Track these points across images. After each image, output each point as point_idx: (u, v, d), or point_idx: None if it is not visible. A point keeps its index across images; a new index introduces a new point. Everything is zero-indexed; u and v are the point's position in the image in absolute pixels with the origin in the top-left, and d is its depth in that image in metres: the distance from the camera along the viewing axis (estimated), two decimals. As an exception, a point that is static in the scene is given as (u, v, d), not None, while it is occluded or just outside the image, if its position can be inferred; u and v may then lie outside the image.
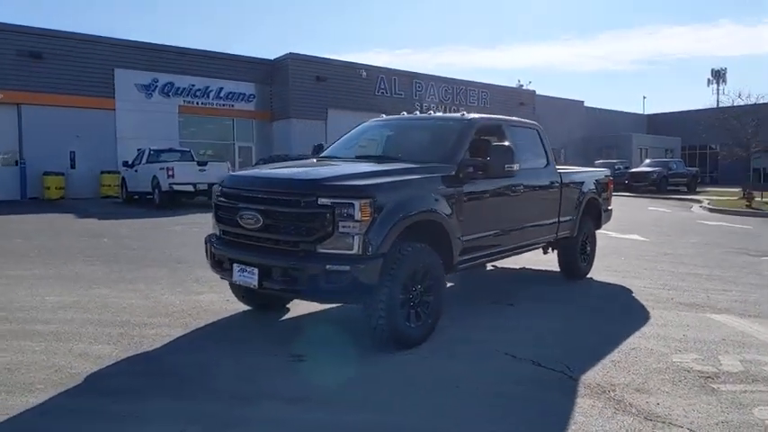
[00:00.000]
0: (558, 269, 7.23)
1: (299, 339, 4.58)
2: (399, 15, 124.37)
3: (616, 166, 33.62)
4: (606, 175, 8.09)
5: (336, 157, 5.46)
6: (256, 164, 22.26)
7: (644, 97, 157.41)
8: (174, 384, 3.61)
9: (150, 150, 18.11)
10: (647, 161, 34.09)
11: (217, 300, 5.74)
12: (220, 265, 4.55)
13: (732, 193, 26.79)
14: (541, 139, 6.37)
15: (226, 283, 6.25)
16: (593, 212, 7.34)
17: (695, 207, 21.85)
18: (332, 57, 28.64)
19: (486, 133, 5.42)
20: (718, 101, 71.93)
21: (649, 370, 4.03)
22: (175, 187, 16.09)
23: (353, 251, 3.91)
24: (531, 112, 34.80)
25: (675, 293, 6.53)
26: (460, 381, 3.78)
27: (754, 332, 5.00)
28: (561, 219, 6.49)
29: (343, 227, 3.89)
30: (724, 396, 3.59)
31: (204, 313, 5.24)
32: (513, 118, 6.01)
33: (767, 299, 6.34)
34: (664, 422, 3.21)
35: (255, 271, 4.14)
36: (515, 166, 4.93)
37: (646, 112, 53.14)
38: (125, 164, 18.86)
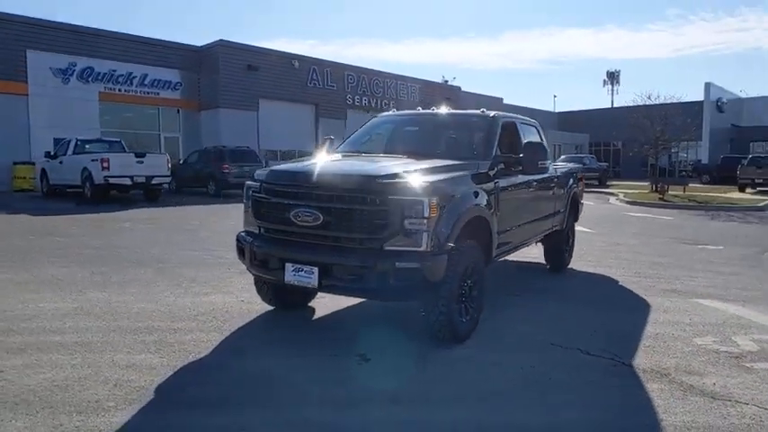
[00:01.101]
0: (536, 261, 7.58)
1: (348, 338, 4.50)
2: (303, 6, 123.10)
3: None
4: (579, 170, 8.55)
5: (364, 153, 5.36)
6: (189, 156, 21.25)
7: (554, 96, 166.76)
8: (262, 392, 3.43)
9: (77, 140, 16.73)
10: (563, 157, 36.10)
11: (230, 301, 5.50)
12: (265, 266, 4.35)
13: (639, 187, 29.11)
14: (540, 135, 6.63)
15: (229, 282, 6.11)
16: (575, 205, 7.75)
17: (612, 200, 23.52)
18: (262, 45, 27.85)
19: (507, 129, 5.58)
20: (612, 101, 77.71)
21: (684, 353, 4.36)
22: (111, 180, 14.99)
23: (422, 248, 3.90)
24: (456, 107, 35.85)
25: (653, 281, 7.05)
26: (526, 373, 3.90)
27: (744, 315, 5.52)
28: (556, 211, 6.80)
29: (411, 224, 3.87)
30: (761, 373, 3.96)
31: (228, 315, 5.00)
32: (519, 115, 6.20)
33: (733, 285, 7.00)
34: (730, 401, 3.50)
35: (315, 270, 4.01)
36: (547, 163, 5.12)
37: (556, 110, 56.29)
38: (47, 154, 17.30)
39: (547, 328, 4.91)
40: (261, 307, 5.22)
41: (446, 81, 38.77)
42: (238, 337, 4.47)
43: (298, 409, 3.22)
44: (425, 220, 3.88)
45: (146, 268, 6.92)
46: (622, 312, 5.59)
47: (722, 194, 24.19)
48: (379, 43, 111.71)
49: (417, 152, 5.01)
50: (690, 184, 27.66)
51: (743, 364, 4.14)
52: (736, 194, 24.79)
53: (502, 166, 5.05)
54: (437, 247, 3.95)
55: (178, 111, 25.90)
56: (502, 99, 43.88)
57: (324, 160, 4.82)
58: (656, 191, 24.32)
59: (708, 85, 39.50)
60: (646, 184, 30.07)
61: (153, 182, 15.80)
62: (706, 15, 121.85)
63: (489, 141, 5.15)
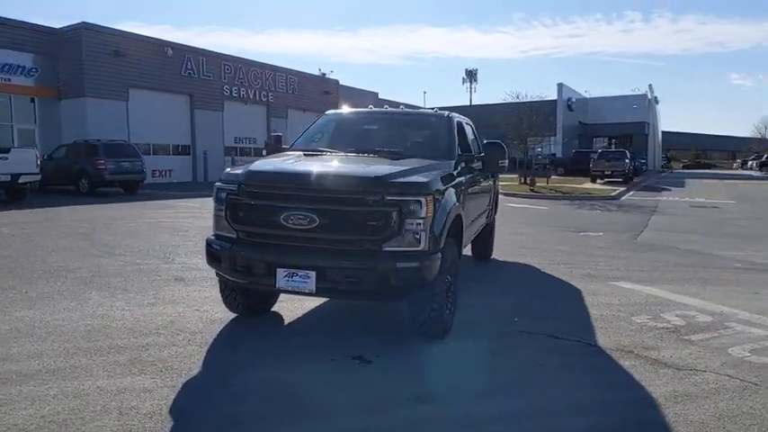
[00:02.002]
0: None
1: (334, 341, 4.44)
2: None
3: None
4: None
5: (328, 151, 5.25)
6: (55, 151, 19.07)
7: (424, 92, 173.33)
8: (287, 405, 3.29)
9: None
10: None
11: (184, 311, 5.15)
12: (250, 273, 4.14)
13: (508, 179, 31.39)
14: (475, 134, 6.97)
15: (167, 291, 5.72)
16: (497, 199, 8.28)
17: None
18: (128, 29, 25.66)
19: (460, 129, 5.81)
20: (471, 98, 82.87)
21: (633, 331, 4.91)
22: (-32, 179, 13.00)
23: (420, 247, 3.98)
24: (336, 101, 35.92)
25: (568, 267, 7.77)
26: (521, 362, 4.17)
27: (657, 294, 6.32)
28: (489, 206, 7.23)
29: (410, 224, 3.92)
30: (700, 344, 4.60)
31: (192, 327, 4.68)
32: (459, 114, 6.45)
33: (632, 267, 7.96)
34: (691, 370, 4.04)
35: (312, 275, 3.92)
36: (506, 162, 5.43)
37: (426, 106, 58.66)
38: None
39: (506, 317, 5.23)
40: (222, 315, 4.96)
41: (323, 74, 38.64)
42: (220, 349, 4.21)
43: (334, 418, 3.16)
44: (423, 220, 3.96)
45: (61, 280, 6.18)
46: (561, 298, 6.12)
47: (579, 185, 26.99)
48: (239, 33, 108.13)
49: (386, 151, 5.05)
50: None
51: (682, 338, 4.78)
52: (589, 185, 27.80)
53: (463, 164, 5.27)
54: (433, 246, 4.05)
55: (33, 99, 23.01)
56: (377, 94, 44.77)
57: (301, 160, 4.68)
58: (526, 183, 26.48)
59: (560, 86, 43.70)
60: (514, 176, 32.58)
61: (20, 180, 13.95)
62: (546, 21, 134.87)
63: (451, 141, 5.35)
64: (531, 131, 27.50)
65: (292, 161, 4.67)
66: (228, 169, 4.54)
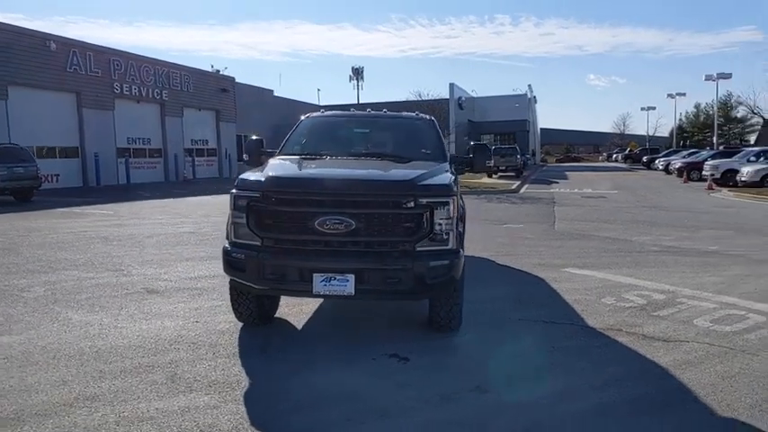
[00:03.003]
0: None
1: (361, 340, 4.53)
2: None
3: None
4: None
5: (319, 154, 5.26)
6: None
7: (318, 90, 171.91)
8: (361, 407, 3.36)
9: None
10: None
11: (183, 324, 4.98)
12: (283, 280, 4.11)
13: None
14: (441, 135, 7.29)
15: (147, 305, 5.55)
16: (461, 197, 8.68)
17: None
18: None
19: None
20: (358, 97, 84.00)
21: (609, 312, 5.49)
22: None
23: (449, 246, 4.20)
24: (233, 99, 34.86)
25: (517, 258, 8.38)
26: (532, 346, 4.55)
27: (607, 277, 7.05)
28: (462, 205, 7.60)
29: (439, 224, 4.13)
30: (668, 319, 5.27)
31: (206, 339, 4.54)
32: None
33: (570, 254, 8.74)
34: (676, 341, 4.65)
35: (351, 278, 3.99)
36: (492, 162, 5.76)
37: (321, 103, 58.50)
38: None
39: (495, 306, 5.62)
40: (227, 326, 4.88)
41: (217, 71, 37.23)
42: (252, 358, 4.14)
43: (410, 415, 3.29)
44: (450, 220, 4.18)
45: (20, 301, 5.62)
46: (532, 286, 6.63)
47: (480, 180, 28.53)
48: (103, 24, 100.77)
49: (386, 154, 5.20)
50: (452, 172, 31.86)
51: (652, 314, 5.43)
52: (487, 179, 29.47)
53: (453, 166, 5.55)
54: (458, 244, 4.29)
55: None
56: (273, 91, 44.05)
57: (319, 165, 4.70)
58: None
59: (452, 86, 45.57)
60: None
61: None
62: (423, 21, 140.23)
63: (441, 144, 5.61)
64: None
65: (314, 166, 4.68)
66: (243, 176, 4.44)
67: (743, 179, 23.46)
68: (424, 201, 4.09)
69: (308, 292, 4.08)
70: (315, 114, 6.22)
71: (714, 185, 24.18)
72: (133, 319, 5.03)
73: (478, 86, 48.20)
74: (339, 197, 4.07)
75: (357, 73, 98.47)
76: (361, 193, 4.11)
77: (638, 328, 4.99)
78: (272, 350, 4.34)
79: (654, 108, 79.25)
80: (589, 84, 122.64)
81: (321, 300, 5.50)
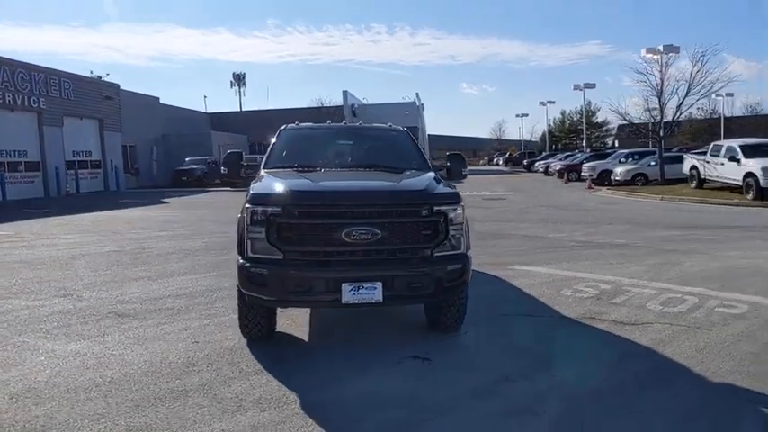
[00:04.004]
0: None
1: (375, 347, 4.69)
2: None
3: (208, 161, 35.45)
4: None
5: (312, 167, 5.31)
6: None
7: (205, 96, 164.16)
8: (415, 407, 3.55)
9: None
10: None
11: (184, 346, 4.80)
12: (308, 291, 4.15)
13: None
14: None
15: (125, 330, 5.33)
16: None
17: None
18: None
19: (413, 142, 6.37)
20: (240, 103, 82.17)
21: (573, 302, 6.11)
22: None
23: (461, 250, 4.50)
24: (117, 107, 32.66)
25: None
26: (529, 338, 5.00)
27: (552, 272, 7.75)
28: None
29: (453, 230, 4.42)
30: (625, 305, 5.98)
31: (220, 358, 4.45)
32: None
33: (509, 253, 9.43)
34: (643, 324, 5.32)
35: (378, 285, 4.15)
36: (466, 171, 6.14)
37: (208, 111, 56.44)
38: None
39: (476, 305, 5.90)
40: (232, 343, 4.82)
41: (99, 77, 34.57)
42: (284, 373, 4.10)
43: (459, 411, 3.55)
44: (461, 226, 4.49)
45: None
46: (494, 284, 7.13)
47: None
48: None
49: (379, 165, 5.39)
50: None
51: (609, 302, 6.12)
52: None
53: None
54: (467, 248, 4.60)
55: None
56: (159, 98, 41.77)
57: (332, 177, 4.77)
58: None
59: (345, 93, 46.16)
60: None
61: None
62: (300, 28, 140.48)
63: (421, 153, 5.90)
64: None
65: (322, 179, 4.76)
66: (255, 191, 4.41)
67: (617, 179, 26.29)
68: (439, 209, 4.36)
69: (337, 302, 4.17)
70: (291, 126, 6.22)
71: (593, 185, 26.83)
72: (125, 345, 4.76)
73: (358, 94, 49.31)
74: (365, 208, 4.22)
75: (239, 79, 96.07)
76: (385, 203, 4.30)
77: (606, 315, 5.63)
78: (294, 363, 4.36)
79: (527, 115, 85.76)
80: (462, 92, 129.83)
81: (307, 311, 5.56)
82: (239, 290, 4.49)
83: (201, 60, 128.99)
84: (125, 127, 33.25)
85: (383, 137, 6.33)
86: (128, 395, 3.73)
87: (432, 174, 5.34)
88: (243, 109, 74.68)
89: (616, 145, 49.01)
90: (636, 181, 25.60)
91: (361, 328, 5.39)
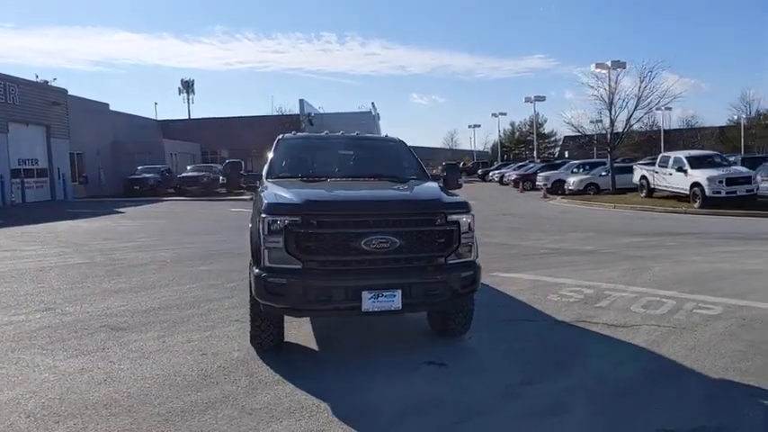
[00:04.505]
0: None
1: (388, 353, 4.76)
2: None
3: (162, 170, 34.49)
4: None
5: (317, 177, 5.35)
6: None
7: (156, 103, 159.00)
8: (449, 411, 3.63)
9: None
10: (193, 166, 36.47)
11: (193, 358, 4.73)
12: (328, 300, 4.18)
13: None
14: None
15: (128, 344, 5.14)
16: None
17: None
18: None
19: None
20: (189, 110, 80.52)
21: (562, 307, 6.35)
22: None
23: (471, 258, 4.64)
24: (65, 113, 31.38)
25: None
26: (534, 342, 5.18)
27: (534, 278, 8.02)
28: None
29: (465, 238, 4.56)
30: (611, 309, 6.28)
31: (234, 371, 4.41)
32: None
33: (486, 260, 9.65)
34: (632, 326, 5.61)
35: (398, 293, 4.22)
36: (462, 180, 6.30)
37: (158, 118, 54.94)
38: None
39: (476, 311, 6.15)
40: (239, 354, 4.79)
41: (45, 81, 33.07)
42: (303, 381, 4.12)
43: (495, 413, 3.68)
44: (472, 234, 4.63)
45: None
46: (484, 292, 7.08)
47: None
48: None
49: (383, 175, 5.49)
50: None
51: (595, 306, 6.40)
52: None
53: (435, 184, 6.02)
54: (476, 256, 4.75)
55: None
56: (108, 105, 40.36)
57: (338, 187, 4.86)
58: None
59: (302, 102, 46.16)
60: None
61: None
62: (249, 35, 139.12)
63: (419, 162, 6.02)
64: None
65: (335, 188, 4.83)
66: (270, 201, 4.41)
67: (570, 188, 27.29)
68: (453, 217, 4.48)
69: (357, 310, 4.22)
70: (288, 136, 6.22)
71: (547, 194, 27.74)
72: (131, 360, 4.63)
73: (309, 102, 49.16)
74: (384, 217, 4.30)
75: (187, 86, 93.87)
76: (404, 212, 4.40)
77: (596, 318, 5.89)
78: (312, 372, 4.37)
79: (479, 125, 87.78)
80: (413, 102, 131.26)
81: (307, 321, 5.56)
82: (253, 300, 4.47)
83: (146, 66, 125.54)
84: (73, 134, 31.93)
85: (381, 147, 6.42)
86: (152, 410, 3.65)
87: (435, 183, 5.48)
88: (192, 116, 73.27)
89: (566, 155, 50.78)
90: (588, 190, 26.64)
91: (366, 336, 5.44)
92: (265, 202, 4.42)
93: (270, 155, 5.83)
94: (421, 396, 3.89)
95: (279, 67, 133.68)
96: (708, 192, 18.27)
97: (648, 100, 26.45)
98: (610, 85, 27.64)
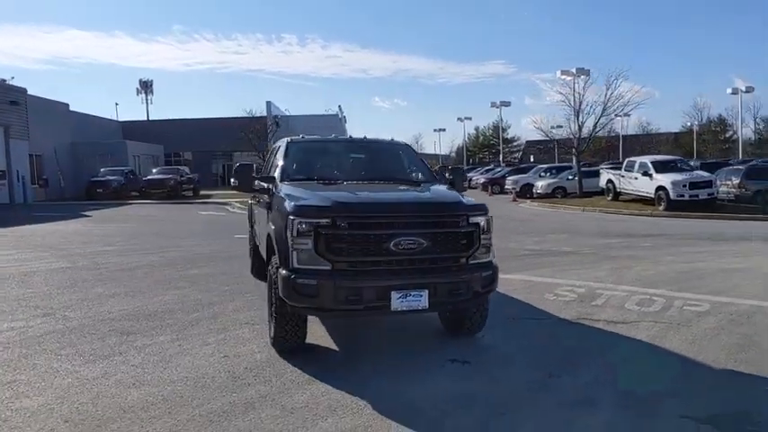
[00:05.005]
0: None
1: (408, 351, 4.87)
2: None
3: (125, 172, 33.62)
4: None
5: (332, 180, 5.42)
6: None
7: (116, 104, 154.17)
8: (484, 407, 3.78)
9: None
10: (159, 168, 35.72)
11: (217, 360, 4.73)
12: (358, 300, 4.26)
13: (246, 195, 31.58)
14: None
15: (146, 346, 5.15)
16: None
17: (231, 208, 25.26)
18: None
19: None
20: (148, 111, 78.75)
21: (561, 306, 6.60)
22: None
23: (489, 258, 4.80)
24: (24, 113, 30.27)
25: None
26: (544, 340, 5.38)
27: (525, 278, 8.26)
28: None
29: (484, 239, 4.72)
30: (606, 306, 6.56)
31: (268, 369, 4.43)
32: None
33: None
34: (632, 323, 5.88)
35: (424, 293, 4.35)
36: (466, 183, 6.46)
37: (120, 119, 53.52)
38: None
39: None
40: (262, 356, 4.81)
41: (4, 80, 31.75)
42: (335, 381, 4.19)
43: (529, 406, 3.84)
44: (490, 235, 4.80)
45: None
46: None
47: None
48: None
49: (397, 178, 5.62)
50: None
51: (592, 305, 6.67)
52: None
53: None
54: (493, 256, 4.91)
55: None
56: (68, 105, 39.08)
57: (360, 189, 4.96)
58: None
59: (269, 104, 45.75)
60: (236, 192, 33.13)
61: None
62: (208, 36, 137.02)
63: (426, 166, 6.16)
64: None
65: (363, 190, 4.93)
66: (297, 203, 4.45)
67: (538, 192, 27.97)
68: (474, 219, 4.64)
69: (386, 309, 4.32)
70: (297, 139, 6.26)
71: (517, 198, 28.36)
72: (153, 364, 4.60)
73: (276, 104, 48.66)
74: (412, 218, 4.44)
75: (146, 86, 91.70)
76: (431, 214, 4.54)
77: (596, 315, 6.15)
78: (340, 372, 4.43)
79: (444, 130, 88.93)
80: (374, 105, 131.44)
81: (317, 322, 5.61)
82: (279, 302, 4.50)
83: (100, 65, 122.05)
84: (32, 135, 30.83)
85: (390, 150, 6.52)
86: (192, 411, 3.66)
87: (445, 186, 5.63)
88: (150, 118, 71.51)
89: (531, 160, 51.95)
90: (556, 194, 27.38)
91: (378, 336, 5.54)
92: (292, 204, 4.46)
93: (277, 158, 5.86)
94: (455, 391, 4.02)
95: (239, 69, 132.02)
96: (672, 195, 19.08)
97: (615, 107, 27.36)
98: (575, 92, 28.46)
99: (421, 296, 4.35)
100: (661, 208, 19.57)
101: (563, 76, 30.82)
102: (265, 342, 5.10)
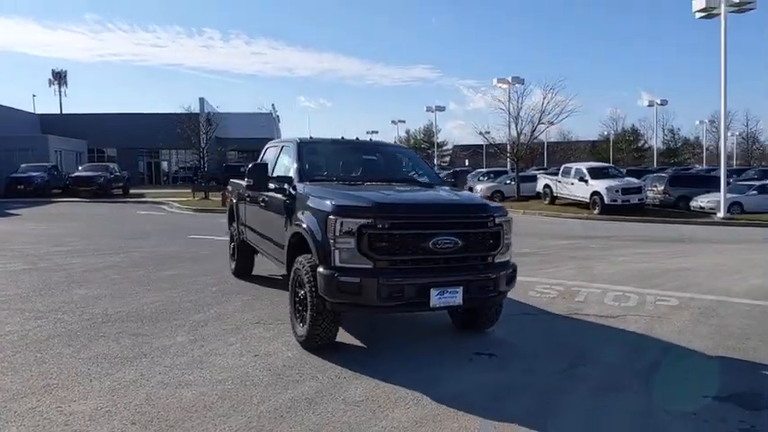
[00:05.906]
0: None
1: (430, 347, 5.09)
2: None
3: (49, 167, 31.57)
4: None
5: (350, 180, 5.55)
6: None
7: (34, 95, 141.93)
8: (520, 397, 4.06)
9: None
10: (86, 165, 33.78)
11: (248, 359, 4.75)
12: (401, 297, 4.44)
13: (179, 194, 30.51)
14: None
15: (172, 346, 5.05)
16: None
17: (168, 207, 24.40)
18: None
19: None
20: (61, 104, 74.20)
21: (547, 302, 7.07)
22: None
23: (509, 257, 5.13)
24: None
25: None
26: (542, 333, 5.78)
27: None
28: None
29: (507, 239, 5.04)
30: (589, 303, 7.09)
31: (307, 369, 4.51)
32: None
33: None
34: (617, 317, 6.41)
35: (459, 290, 4.60)
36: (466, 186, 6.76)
37: (37, 112, 50.02)
38: None
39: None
40: (293, 354, 4.89)
41: None
42: (378, 376, 4.34)
43: (567, 393, 4.17)
44: (511, 235, 5.12)
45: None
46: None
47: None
48: None
49: (407, 180, 5.82)
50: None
51: (576, 301, 7.19)
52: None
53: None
54: (511, 255, 5.24)
55: None
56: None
57: (407, 191, 5.11)
58: (206, 197, 26.72)
59: (202, 100, 44.41)
60: (169, 191, 32.28)
61: None
62: (123, 26, 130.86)
63: (432, 169, 6.41)
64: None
65: (393, 191, 5.10)
66: (336, 203, 4.56)
67: (478, 195, 28.97)
68: (499, 220, 4.94)
69: (426, 306, 4.53)
70: (306, 140, 6.30)
71: (457, 200, 29.18)
72: (187, 365, 4.54)
73: (194, 100, 47.34)
74: (450, 219, 4.69)
75: (59, 77, 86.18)
76: (465, 215, 4.82)
77: (584, 311, 6.64)
78: (380, 367, 4.54)
79: (377, 132, 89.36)
80: (300, 105, 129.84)
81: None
82: (317, 299, 4.58)
83: (13, 54, 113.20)
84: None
85: (398, 154, 6.74)
86: (256, 409, 3.71)
87: (455, 189, 5.92)
88: (63, 110, 67.23)
89: (466, 164, 53.59)
90: (494, 197, 28.44)
91: (396, 333, 5.71)
92: (332, 203, 4.57)
93: (283, 158, 5.94)
94: (494, 382, 4.30)
95: (158, 62, 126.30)
96: (606, 200, 20.47)
97: (551, 115, 28.80)
98: (512, 100, 29.72)
99: (457, 293, 4.59)
100: (596, 212, 20.93)
101: (499, 84, 32.11)
102: (287, 340, 5.16)
